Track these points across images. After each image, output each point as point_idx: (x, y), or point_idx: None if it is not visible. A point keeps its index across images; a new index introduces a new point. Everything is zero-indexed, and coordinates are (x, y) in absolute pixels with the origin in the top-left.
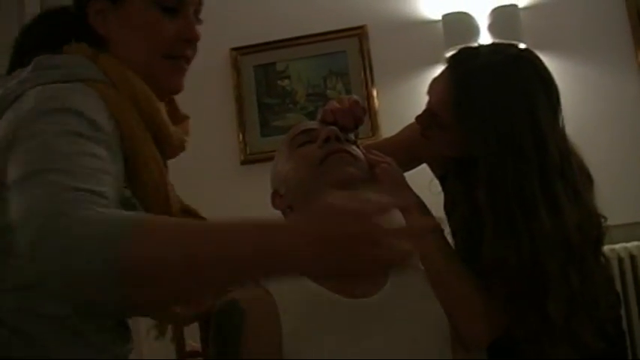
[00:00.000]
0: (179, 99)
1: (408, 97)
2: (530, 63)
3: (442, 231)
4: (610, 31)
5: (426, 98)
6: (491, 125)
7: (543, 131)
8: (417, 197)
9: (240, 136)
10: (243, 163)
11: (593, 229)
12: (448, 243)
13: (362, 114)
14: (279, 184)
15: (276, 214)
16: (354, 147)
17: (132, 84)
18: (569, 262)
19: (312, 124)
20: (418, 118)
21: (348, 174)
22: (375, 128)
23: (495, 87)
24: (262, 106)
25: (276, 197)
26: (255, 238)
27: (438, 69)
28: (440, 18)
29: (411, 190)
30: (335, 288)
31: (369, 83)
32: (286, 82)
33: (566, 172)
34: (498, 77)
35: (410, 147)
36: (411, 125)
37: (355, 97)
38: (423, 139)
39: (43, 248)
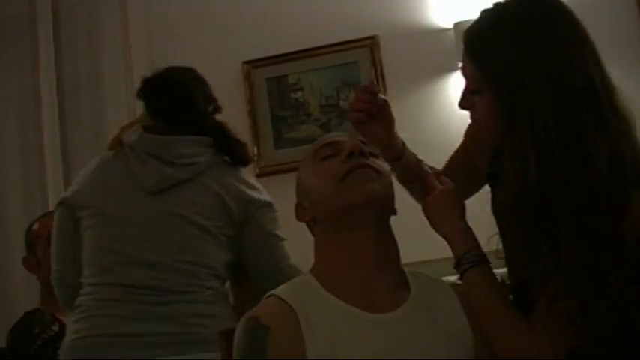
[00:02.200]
0: None
1: (421, 107)
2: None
3: (488, 263)
4: (618, 28)
5: (438, 107)
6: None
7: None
8: (463, 225)
9: (255, 149)
10: (258, 175)
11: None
12: (494, 276)
13: (374, 90)
14: (303, 196)
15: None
16: (377, 161)
17: None
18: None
19: (337, 137)
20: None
21: (371, 190)
22: None
23: (514, 26)
24: (275, 119)
25: (299, 209)
26: None
27: (451, 77)
28: (451, 26)
29: (454, 220)
30: (356, 302)
31: (382, 93)
32: (299, 94)
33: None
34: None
35: (465, 153)
36: (465, 132)
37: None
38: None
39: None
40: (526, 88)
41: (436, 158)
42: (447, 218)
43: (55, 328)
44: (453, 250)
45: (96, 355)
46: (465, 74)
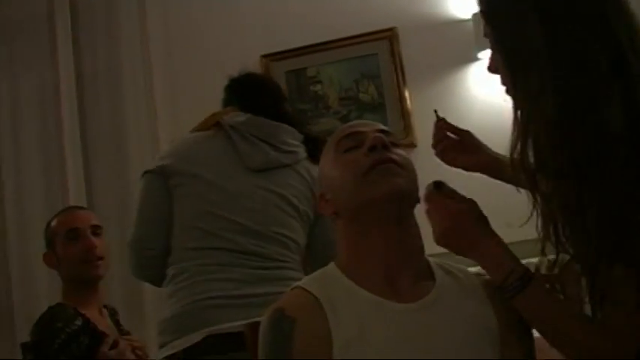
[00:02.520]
0: (214, 103)
1: (440, 98)
2: None
3: (532, 278)
4: None
5: (458, 98)
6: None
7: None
8: (493, 245)
9: None
10: None
11: None
12: (543, 291)
13: (447, 127)
14: (326, 188)
15: None
16: (400, 151)
17: None
18: None
19: (359, 126)
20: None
21: (395, 185)
22: (408, 129)
23: None
24: (295, 112)
25: (322, 201)
26: None
27: (470, 68)
28: (470, 17)
29: (480, 243)
30: (381, 292)
31: (401, 85)
32: (318, 86)
33: None
34: None
35: None
36: None
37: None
38: None
39: None
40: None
41: None
42: (471, 243)
43: (79, 322)
44: (491, 278)
45: (212, 317)
46: (485, 35)
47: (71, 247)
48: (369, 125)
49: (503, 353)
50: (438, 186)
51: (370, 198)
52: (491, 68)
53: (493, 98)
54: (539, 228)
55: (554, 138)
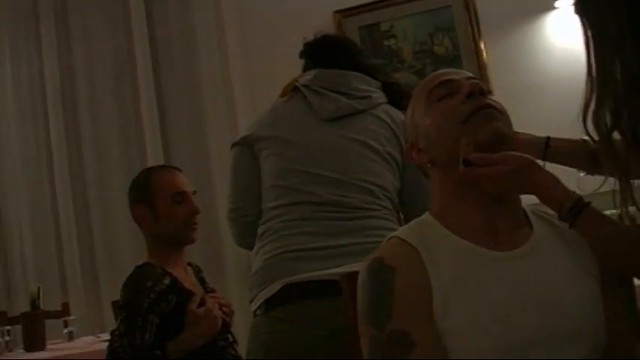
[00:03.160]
0: (288, 64)
1: (518, 49)
2: None
3: (589, 203)
4: None
5: (535, 49)
6: None
7: None
8: (549, 176)
9: None
10: None
11: None
12: (600, 212)
13: None
14: (418, 137)
15: None
16: (493, 98)
17: None
18: None
19: (449, 74)
20: None
21: (498, 128)
22: (484, 82)
23: None
24: None
25: (414, 150)
26: None
27: (548, 17)
28: None
29: (535, 177)
30: (479, 241)
31: (477, 37)
32: (392, 41)
33: None
34: None
35: None
36: None
37: None
38: None
39: None
40: None
41: (536, 100)
42: (524, 192)
43: (167, 281)
44: (551, 204)
45: (290, 268)
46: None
47: (176, 208)
48: (460, 73)
49: (605, 299)
50: (467, 162)
51: (474, 142)
52: (576, 10)
53: (573, 47)
54: (616, 196)
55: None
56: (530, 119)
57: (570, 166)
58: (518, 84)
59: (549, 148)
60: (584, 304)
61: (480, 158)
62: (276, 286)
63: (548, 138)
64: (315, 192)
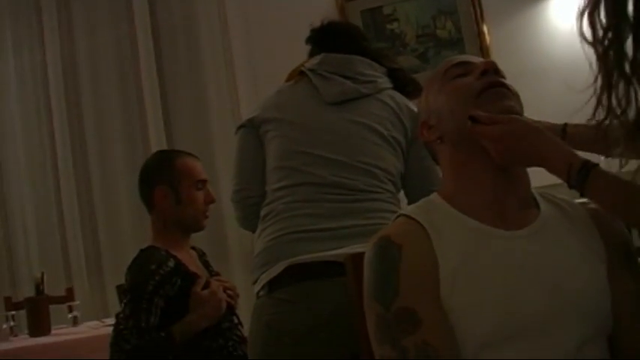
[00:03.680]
0: (291, 51)
1: (521, 32)
2: None
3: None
4: None
5: (539, 32)
6: None
7: None
8: (557, 140)
9: None
10: None
11: None
12: (607, 173)
13: None
14: (429, 114)
15: None
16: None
17: None
18: None
19: (467, 57)
20: None
21: (509, 106)
22: None
23: None
24: None
25: (424, 128)
26: None
27: (551, 0)
28: None
29: (542, 143)
30: (487, 220)
31: (479, 20)
32: (395, 24)
33: None
34: None
35: None
36: None
37: None
38: None
39: None
40: None
41: (539, 82)
42: (530, 156)
43: (171, 264)
44: (556, 170)
45: (291, 249)
46: None
47: (198, 194)
48: (477, 58)
49: (611, 281)
50: (474, 119)
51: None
52: None
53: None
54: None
55: None
56: (533, 102)
57: (588, 151)
58: (521, 67)
59: (566, 134)
60: (590, 285)
61: (487, 117)
62: (278, 268)
63: (565, 124)
64: (318, 173)
